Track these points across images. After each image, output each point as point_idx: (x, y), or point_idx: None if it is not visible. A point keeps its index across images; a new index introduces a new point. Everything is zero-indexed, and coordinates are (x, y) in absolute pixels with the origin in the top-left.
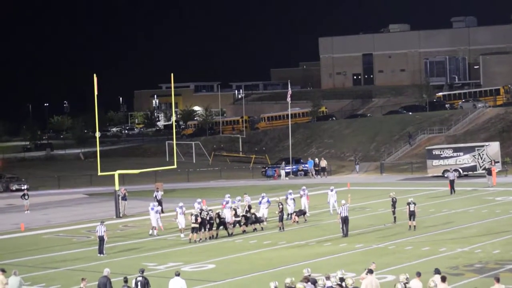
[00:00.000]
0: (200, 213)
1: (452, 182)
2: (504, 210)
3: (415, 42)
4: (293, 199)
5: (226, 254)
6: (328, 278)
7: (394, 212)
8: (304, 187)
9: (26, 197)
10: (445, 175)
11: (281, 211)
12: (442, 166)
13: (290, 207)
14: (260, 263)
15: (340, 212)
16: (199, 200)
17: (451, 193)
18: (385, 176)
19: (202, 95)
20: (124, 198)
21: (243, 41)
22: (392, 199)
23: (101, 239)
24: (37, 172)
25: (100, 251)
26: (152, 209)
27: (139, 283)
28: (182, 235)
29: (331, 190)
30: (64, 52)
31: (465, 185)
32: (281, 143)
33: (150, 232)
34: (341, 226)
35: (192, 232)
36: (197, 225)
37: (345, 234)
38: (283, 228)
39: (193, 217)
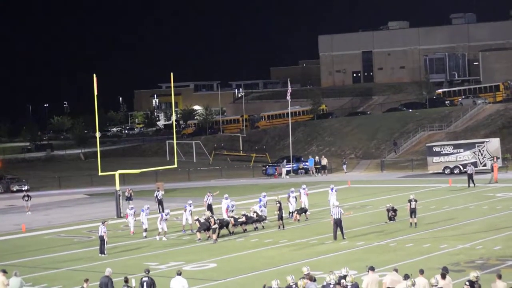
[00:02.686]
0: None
1: (470, 176)
2: (505, 206)
3: (414, 39)
4: (295, 198)
5: (227, 253)
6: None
7: (392, 217)
8: (304, 185)
9: (27, 198)
10: (465, 169)
11: (280, 210)
12: (443, 163)
13: (291, 206)
14: (262, 261)
15: (333, 214)
16: (190, 201)
17: (469, 186)
18: (386, 174)
19: (202, 94)
20: (130, 199)
21: (243, 39)
22: (392, 207)
23: (102, 239)
24: (37, 173)
25: (101, 251)
26: (142, 210)
27: (144, 283)
28: (157, 238)
29: (332, 190)
30: (63, 52)
31: (465, 182)
32: (281, 142)
33: (144, 234)
34: (333, 228)
35: (213, 232)
36: (217, 226)
37: (341, 237)
38: (283, 226)
39: (212, 219)
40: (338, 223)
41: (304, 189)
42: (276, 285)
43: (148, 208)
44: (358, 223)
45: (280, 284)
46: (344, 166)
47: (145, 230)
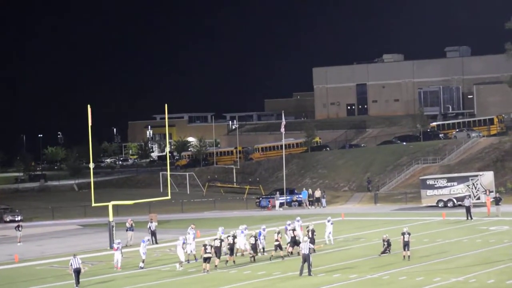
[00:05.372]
0: (217, 241)
1: (468, 209)
2: (498, 239)
3: (409, 72)
4: (291, 230)
5: (220, 285)
6: None
7: (387, 250)
8: (298, 218)
9: (20, 228)
10: (460, 202)
11: (294, 236)
12: (436, 196)
13: (287, 238)
14: None
15: (302, 249)
16: (182, 237)
17: (467, 218)
18: (379, 206)
19: (196, 126)
20: (131, 229)
21: (237, 71)
22: (388, 240)
23: (77, 271)
24: (31, 203)
25: (77, 283)
26: (143, 241)
27: None
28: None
29: (328, 221)
30: (58, 83)
31: (459, 215)
32: (275, 174)
33: (141, 264)
34: (301, 264)
35: (205, 261)
36: (210, 255)
37: (308, 273)
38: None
39: (208, 247)
40: (306, 259)
41: (298, 221)
42: None
43: (148, 240)
44: (351, 255)
45: None
46: (324, 201)
47: (143, 261)
